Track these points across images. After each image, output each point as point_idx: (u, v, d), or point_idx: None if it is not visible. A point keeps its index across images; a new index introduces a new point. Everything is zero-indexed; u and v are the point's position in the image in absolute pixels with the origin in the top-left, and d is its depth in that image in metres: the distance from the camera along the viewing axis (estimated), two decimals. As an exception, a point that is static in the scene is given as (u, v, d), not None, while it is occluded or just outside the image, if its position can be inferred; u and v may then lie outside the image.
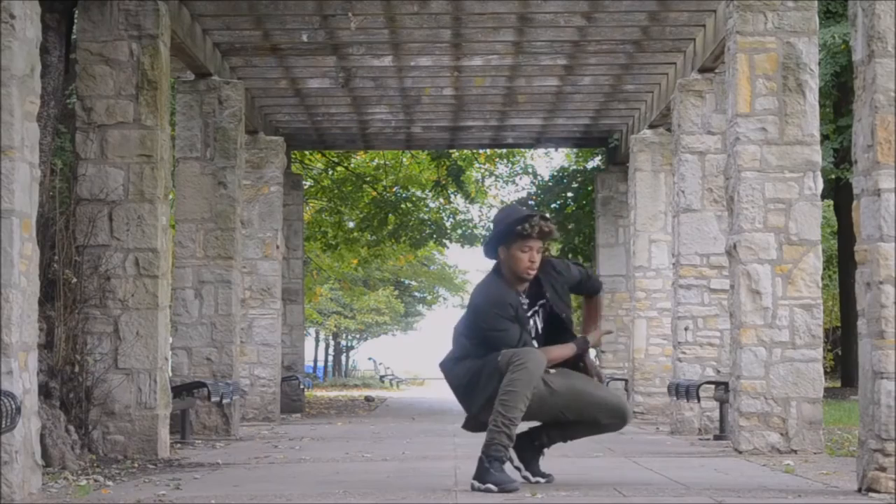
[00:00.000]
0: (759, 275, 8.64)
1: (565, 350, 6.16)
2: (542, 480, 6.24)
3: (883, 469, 5.54)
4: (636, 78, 13.80)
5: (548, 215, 6.27)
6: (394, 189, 24.17)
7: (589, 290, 6.48)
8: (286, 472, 7.42)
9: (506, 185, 27.41)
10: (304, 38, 12.07)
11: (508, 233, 6.10)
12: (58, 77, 9.03)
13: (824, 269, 16.11)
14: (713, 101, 11.47)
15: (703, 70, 11.53)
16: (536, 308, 6.21)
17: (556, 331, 6.21)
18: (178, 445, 9.79)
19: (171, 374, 10.89)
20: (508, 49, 12.62)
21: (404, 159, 24.92)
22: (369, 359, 57.75)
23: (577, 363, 6.22)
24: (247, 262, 13.95)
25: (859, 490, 5.75)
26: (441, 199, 24.67)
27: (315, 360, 51.68)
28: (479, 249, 27.75)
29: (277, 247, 14.58)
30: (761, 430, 8.53)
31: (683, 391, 10.78)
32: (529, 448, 6.29)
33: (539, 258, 6.11)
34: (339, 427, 13.28)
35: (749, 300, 8.62)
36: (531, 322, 6.17)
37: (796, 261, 8.65)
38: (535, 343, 6.14)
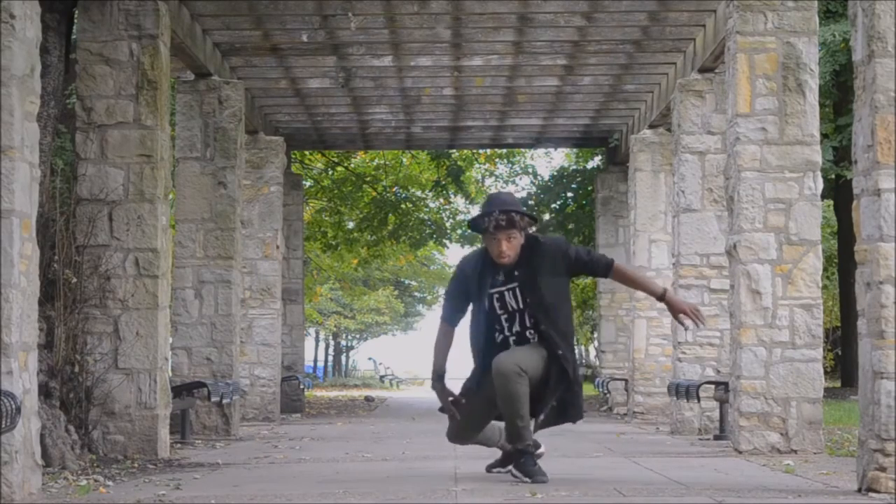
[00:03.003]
0: (759, 275, 8.64)
1: (651, 286, 6.79)
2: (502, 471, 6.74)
3: (883, 469, 5.54)
4: (636, 78, 13.80)
5: (512, 209, 6.49)
6: (394, 189, 24.16)
7: (595, 271, 6.65)
8: (286, 472, 7.42)
9: (506, 185, 27.41)
10: (304, 38, 12.07)
11: (474, 226, 6.61)
12: (58, 77, 9.02)
13: (824, 269, 16.10)
14: (713, 101, 11.47)
15: (703, 70, 11.53)
16: (510, 287, 6.52)
17: (541, 310, 6.47)
18: (178, 445, 9.78)
19: (171, 374, 10.89)
20: (508, 49, 12.63)
21: (404, 159, 24.92)
22: (369, 359, 57.79)
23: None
24: (247, 262, 13.94)
25: (859, 490, 5.74)
26: (441, 199, 24.68)
27: (315, 360, 51.67)
28: (478, 249, 27.77)
29: (277, 247, 14.58)
30: (761, 430, 8.53)
31: (683, 391, 10.77)
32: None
33: (512, 245, 6.48)
34: (339, 427, 13.28)
35: (749, 300, 8.62)
36: (504, 297, 6.51)
37: (796, 261, 8.65)
38: (502, 323, 6.53)
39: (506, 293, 6.53)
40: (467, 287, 6.62)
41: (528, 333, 6.50)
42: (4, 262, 5.81)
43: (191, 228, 11.46)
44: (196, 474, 7.31)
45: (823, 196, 11.67)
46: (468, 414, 6.64)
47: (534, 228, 6.73)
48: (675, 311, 6.53)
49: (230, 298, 11.46)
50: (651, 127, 14.28)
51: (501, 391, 6.31)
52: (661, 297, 6.56)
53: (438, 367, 6.72)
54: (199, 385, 10.61)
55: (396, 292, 47.98)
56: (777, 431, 8.53)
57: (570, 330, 6.57)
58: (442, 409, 6.71)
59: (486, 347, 6.58)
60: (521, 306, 6.50)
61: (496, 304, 6.53)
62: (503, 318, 6.53)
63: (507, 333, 6.53)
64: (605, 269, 6.60)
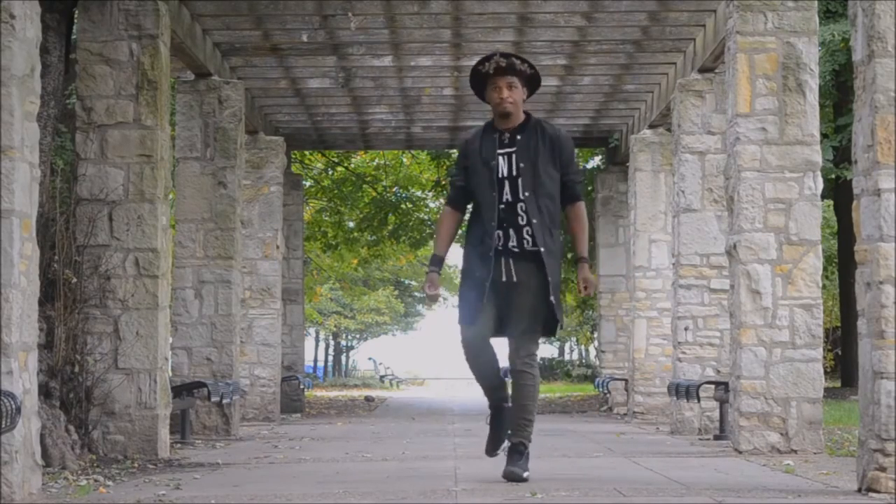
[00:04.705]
0: (759, 275, 8.64)
1: (580, 247, 6.54)
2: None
3: (883, 469, 5.54)
4: (636, 78, 13.80)
5: (513, 54, 6.57)
6: (394, 189, 24.17)
7: (566, 192, 6.51)
8: (286, 472, 7.42)
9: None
10: (304, 38, 12.07)
11: (475, 76, 6.62)
12: (58, 77, 9.03)
13: (824, 269, 16.08)
14: (713, 101, 11.47)
15: (703, 70, 11.53)
16: (509, 151, 6.43)
17: (532, 181, 6.36)
18: (178, 445, 9.78)
19: (171, 374, 10.89)
20: (508, 49, 12.62)
21: (404, 159, 24.93)
22: (369, 359, 57.69)
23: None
24: (247, 262, 13.94)
25: (859, 490, 5.75)
26: (441, 200, 24.69)
27: (315, 360, 51.64)
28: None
29: (277, 247, 14.58)
30: (761, 430, 8.53)
31: (683, 391, 10.78)
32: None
33: (513, 94, 6.46)
34: (339, 427, 13.28)
35: (749, 300, 8.62)
36: (500, 161, 6.40)
37: (796, 261, 8.65)
38: (494, 191, 6.37)
39: (503, 157, 6.41)
40: (468, 160, 6.49)
41: (519, 207, 6.34)
42: (4, 262, 5.81)
43: (191, 228, 11.46)
44: (196, 474, 7.32)
45: (823, 196, 11.67)
46: (483, 318, 6.48)
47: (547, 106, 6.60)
48: (579, 277, 6.48)
49: (230, 298, 11.46)
50: (651, 127, 14.28)
51: (514, 383, 6.41)
52: (577, 261, 6.58)
53: (437, 251, 6.72)
54: (199, 385, 10.61)
55: (396, 292, 47.95)
56: (777, 431, 8.53)
57: (557, 218, 6.46)
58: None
59: (488, 214, 6.39)
60: (515, 173, 6.38)
61: (497, 168, 6.38)
62: (502, 181, 6.39)
63: (500, 201, 6.35)
64: (569, 197, 6.52)
